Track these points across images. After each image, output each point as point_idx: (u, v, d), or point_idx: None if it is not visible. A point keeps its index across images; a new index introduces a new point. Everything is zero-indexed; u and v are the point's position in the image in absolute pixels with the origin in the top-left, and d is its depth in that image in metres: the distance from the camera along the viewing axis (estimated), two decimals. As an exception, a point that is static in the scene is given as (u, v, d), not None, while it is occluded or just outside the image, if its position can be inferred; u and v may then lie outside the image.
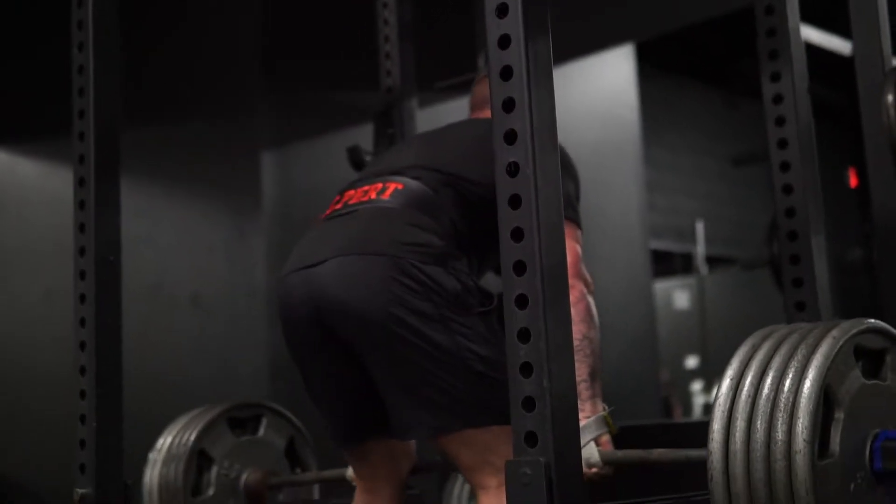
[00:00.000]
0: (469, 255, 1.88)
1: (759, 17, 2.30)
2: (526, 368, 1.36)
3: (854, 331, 1.40)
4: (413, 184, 1.89)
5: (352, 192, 1.96)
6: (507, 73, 1.42)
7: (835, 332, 1.38)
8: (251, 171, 4.35)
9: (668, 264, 9.73)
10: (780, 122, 2.25)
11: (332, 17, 4.25)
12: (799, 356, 1.37)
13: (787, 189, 2.24)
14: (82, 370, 2.08)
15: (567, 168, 1.99)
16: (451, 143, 2.04)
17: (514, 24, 1.42)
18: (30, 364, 4.09)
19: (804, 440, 1.30)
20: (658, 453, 1.79)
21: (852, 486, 1.36)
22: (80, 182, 2.13)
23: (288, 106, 4.49)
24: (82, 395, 2.07)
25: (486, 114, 2.13)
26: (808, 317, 2.18)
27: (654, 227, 8.36)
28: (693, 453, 1.72)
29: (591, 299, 1.89)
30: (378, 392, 1.85)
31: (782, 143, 2.25)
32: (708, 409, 7.72)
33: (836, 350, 1.36)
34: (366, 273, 1.78)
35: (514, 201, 1.40)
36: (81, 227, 2.12)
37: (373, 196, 1.90)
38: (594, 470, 1.81)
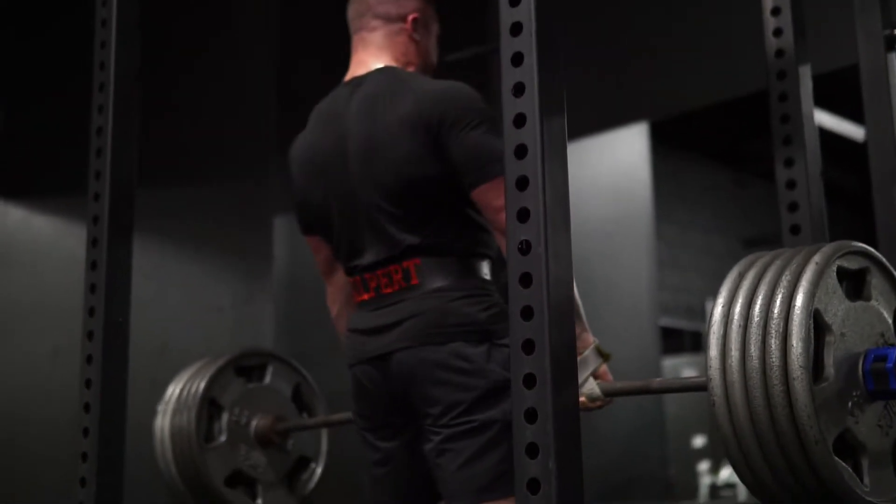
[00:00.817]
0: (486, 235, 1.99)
1: (772, 103, 2.32)
2: (532, 449, 1.35)
3: (836, 255, 1.44)
4: (425, 260, 1.95)
5: (369, 275, 2.00)
6: (521, 151, 1.43)
7: (817, 258, 1.41)
8: (263, 235, 4.37)
9: (677, 341, 9.68)
10: (793, 207, 2.26)
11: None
12: (784, 282, 1.40)
13: (799, 275, 2.23)
14: (85, 432, 2.07)
15: (495, 121, 1.96)
16: (389, 162, 1.95)
17: (530, 103, 1.43)
18: (35, 421, 4.07)
19: (800, 366, 1.34)
20: (658, 382, 1.87)
21: (850, 404, 1.40)
22: (92, 242, 2.14)
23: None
24: (84, 457, 2.05)
25: (378, 56, 2.05)
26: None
27: (664, 304, 8.34)
28: (691, 381, 1.79)
29: None
30: (427, 469, 1.95)
31: (795, 230, 2.25)
32: (714, 490, 7.62)
33: (820, 274, 1.40)
34: (426, 361, 1.90)
35: (525, 280, 1.39)
36: (92, 288, 2.12)
37: (403, 284, 1.96)
38: (598, 404, 1.87)
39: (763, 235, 9.31)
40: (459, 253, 1.95)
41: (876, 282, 1.51)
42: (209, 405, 2.44)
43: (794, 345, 1.35)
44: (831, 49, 3.33)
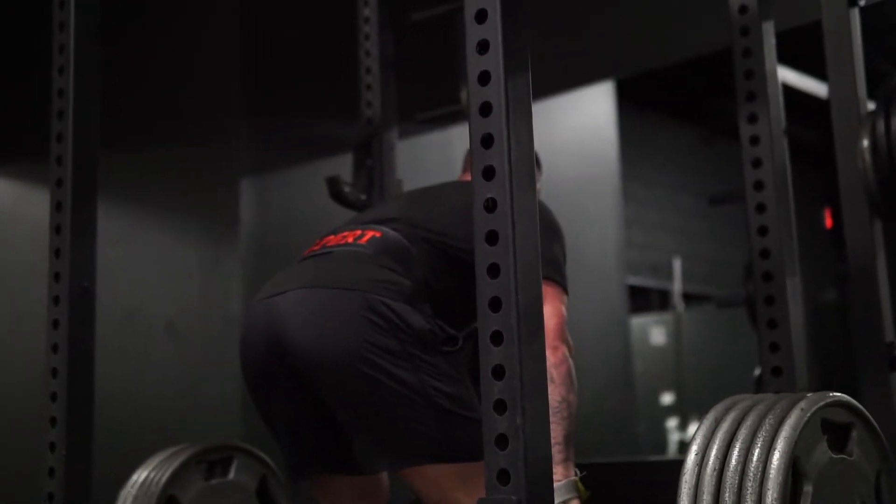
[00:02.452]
0: (436, 312, 1.87)
1: (736, 59, 2.33)
2: (500, 406, 1.36)
3: (821, 403, 1.40)
4: (391, 234, 1.91)
5: (331, 236, 1.99)
6: (486, 109, 1.43)
7: (802, 404, 1.38)
8: (229, 198, 4.34)
9: (644, 300, 9.75)
10: (757, 163, 2.27)
11: (313, 47, 4.26)
12: (766, 426, 1.36)
13: (763, 230, 2.25)
14: (53, 397, 2.06)
15: (555, 232, 2.03)
16: (437, 201, 2.05)
17: (494, 60, 1.43)
18: (2, 385, 4.05)
19: None
20: None
21: None
22: (56, 206, 2.12)
23: (267, 134, 4.49)
24: (52, 422, 2.05)
25: None
26: (782, 358, 2.19)
27: (631, 263, 8.39)
28: None
29: (572, 363, 1.89)
30: (336, 425, 1.85)
31: (758, 185, 2.27)
32: (683, 446, 7.71)
33: (803, 422, 1.36)
34: (330, 306, 1.78)
35: (491, 237, 1.40)
36: (57, 253, 2.11)
37: (349, 241, 1.92)
38: None
39: (729, 192, 9.36)
40: (421, 277, 1.88)
41: (860, 438, 1.48)
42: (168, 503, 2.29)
43: (771, 489, 1.31)
44: (794, 5, 3.34)
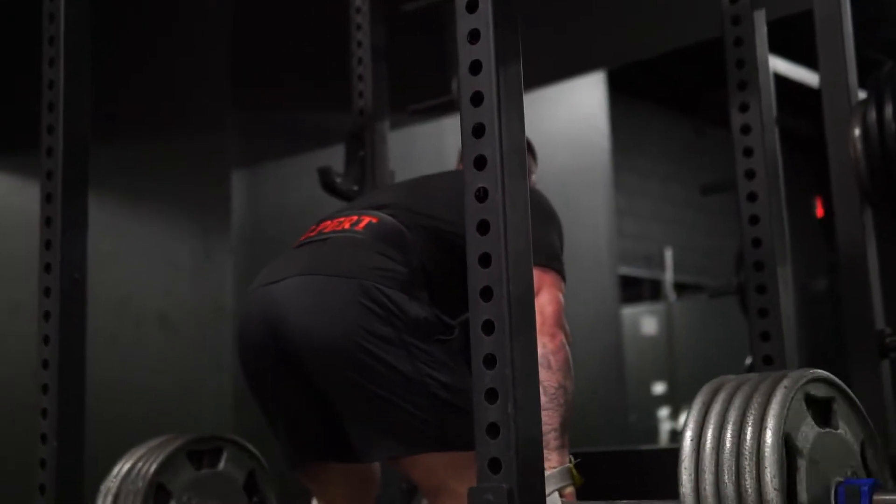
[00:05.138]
0: (433, 299, 1.87)
1: (727, 48, 2.33)
2: (491, 394, 1.36)
3: (803, 380, 1.42)
4: (388, 219, 1.91)
5: (327, 222, 1.98)
6: (477, 98, 1.43)
7: (786, 382, 1.40)
8: (220, 190, 4.34)
9: (636, 290, 9.76)
10: (748, 153, 2.28)
11: (304, 37, 4.26)
12: (755, 406, 1.37)
13: (754, 220, 2.26)
14: (45, 388, 2.06)
15: (551, 219, 2.03)
16: (431, 188, 2.04)
17: (485, 50, 1.43)
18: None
19: (774, 489, 1.30)
20: None
21: None
22: (47, 198, 2.12)
23: (258, 125, 4.49)
24: (44, 413, 2.05)
25: None
26: (773, 347, 2.20)
27: (623, 253, 8.40)
28: None
29: (569, 350, 1.89)
30: (333, 414, 1.85)
31: (749, 174, 2.27)
32: (675, 435, 7.73)
33: (790, 399, 1.37)
34: (328, 293, 1.78)
35: (483, 227, 1.40)
36: (47, 244, 2.10)
37: (346, 227, 1.92)
38: None
39: (720, 182, 9.36)
40: (417, 263, 1.87)
41: (842, 412, 1.49)
42: (157, 492, 2.28)
43: (768, 467, 1.32)
44: (786, -6, 3.35)
